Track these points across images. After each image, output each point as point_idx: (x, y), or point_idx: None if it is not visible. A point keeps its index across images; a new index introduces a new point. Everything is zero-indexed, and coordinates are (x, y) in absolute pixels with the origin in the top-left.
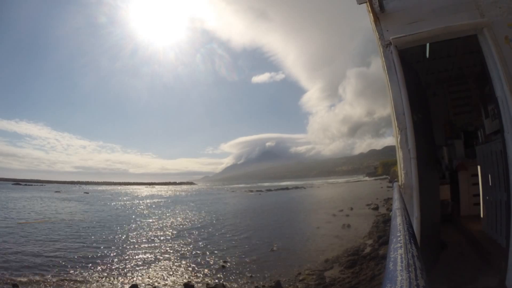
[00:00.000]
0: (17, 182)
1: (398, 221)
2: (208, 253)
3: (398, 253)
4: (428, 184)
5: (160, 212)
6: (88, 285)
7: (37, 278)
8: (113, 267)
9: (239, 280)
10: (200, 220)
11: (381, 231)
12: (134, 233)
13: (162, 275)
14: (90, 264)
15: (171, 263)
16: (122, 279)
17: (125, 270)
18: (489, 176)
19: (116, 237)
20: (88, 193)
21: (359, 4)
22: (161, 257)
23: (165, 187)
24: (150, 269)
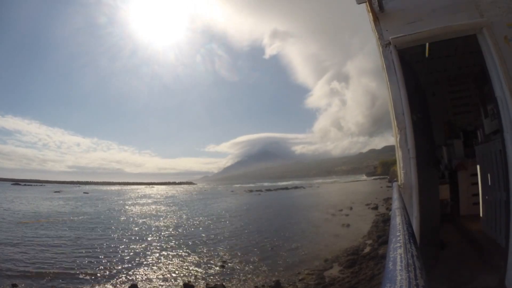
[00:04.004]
0: (16, 182)
1: (397, 220)
2: (207, 253)
3: (398, 253)
4: (428, 184)
5: (159, 212)
6: (88, 286)
7: (37, 278)
8: (113, 267)
9: (238, 280)
10: (200, 220)
11: (381, 231)
12: (134, 233)
13: (162, 275)
14: (90, 265)
15: (170, 263)
16: (122, 280)
17: (125, 270)
18: (489, 175)
19: (115, 237)
20: (87, 193)
21: (359, 3)
22: (160, 257)
23: (164, 187)
24: (150, 270)
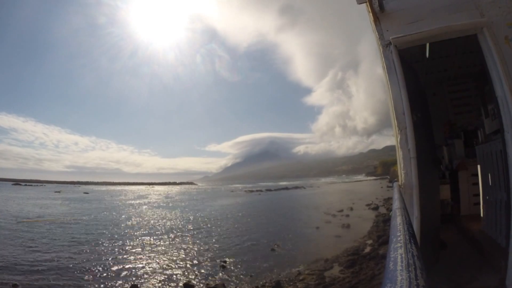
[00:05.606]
0: (16, 182)
1: (398, 220)
2: (207, 253)
3: (398, 253)
4: (428, 184)
5: (160, 212)
6: (88, 285)
7: (37, 279)
8: (113, 268)
9: (239, 280)
10: (200, 220)
11: (381, 231)
12: (134, 233)
13: (162, 275)
14: (90, 264)
15: (170, 263)
16: (122, 280)
17: (125, 271)
18: (489, 175)
19: (116, 237)
20: (88, 193)
21: (359, 4)
22: (161, 258)
23: (164, 187)
24: (150, 269)
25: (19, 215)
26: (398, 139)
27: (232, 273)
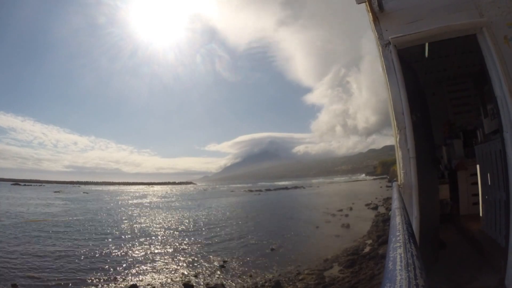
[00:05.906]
0: (16, 182)
1: (397, 220)
2: (207, 252)
3: (398, 253)
4: (427, 184)
5: (159, 212)
6: (87, 285)
7: (37, 278)
8: (112, 268)
9: (238, 279)
10: (199, 220)
11: (381, 231)
12: (134, 232)
13: (161, 275)
14: (89, 264)
15: (170, 263)
16: (121, 280)
17: (124, 270)
18: (488, 175)
19: (115, 237)
20: (87, 193)
21: (358, 3)
22: (160, 257)
23: (164, 187)
24: (149, 269)
25: (19, 215)
26: (398, 139)
27: (232, 273)
